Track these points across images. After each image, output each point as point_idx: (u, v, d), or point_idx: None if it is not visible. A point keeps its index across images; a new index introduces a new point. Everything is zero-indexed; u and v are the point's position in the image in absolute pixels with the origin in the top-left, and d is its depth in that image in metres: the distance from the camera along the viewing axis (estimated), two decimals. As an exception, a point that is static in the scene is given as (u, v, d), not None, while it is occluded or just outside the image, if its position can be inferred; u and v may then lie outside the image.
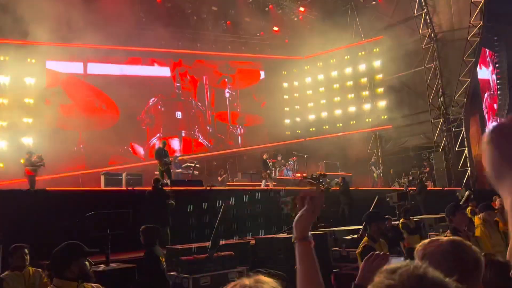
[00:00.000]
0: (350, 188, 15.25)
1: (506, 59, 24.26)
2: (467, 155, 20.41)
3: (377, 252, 1.91)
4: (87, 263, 2.48)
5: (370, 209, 8.09)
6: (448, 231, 4.34)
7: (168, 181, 11.30)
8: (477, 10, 18.74)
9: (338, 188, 13.04)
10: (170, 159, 12.40)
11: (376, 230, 4.32)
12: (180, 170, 15.43)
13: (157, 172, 12.68)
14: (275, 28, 21.80)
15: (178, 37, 18.99)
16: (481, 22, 18.85)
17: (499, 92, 24.50)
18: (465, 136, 20.49)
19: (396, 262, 1.96)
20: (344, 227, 10.18)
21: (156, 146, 15.54)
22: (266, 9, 20.56)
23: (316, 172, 12.80)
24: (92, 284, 2.54)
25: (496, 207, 7.09)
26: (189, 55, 20.22)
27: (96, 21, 14.49)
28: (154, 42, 18.11)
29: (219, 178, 16.01)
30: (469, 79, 19.80)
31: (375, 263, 1.78)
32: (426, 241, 1.69)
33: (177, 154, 17.17)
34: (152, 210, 8.62)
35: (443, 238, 1.69)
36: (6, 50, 14.51)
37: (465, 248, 1.49)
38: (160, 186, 9.06)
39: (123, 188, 11.54)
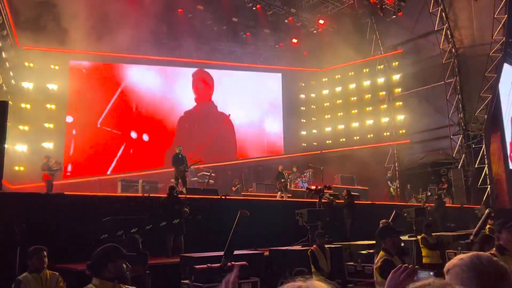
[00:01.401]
0: (366, 202, 15.09)
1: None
2: (487, 172, 20.00)
3: (405, 264, 1.87)
4: (124, 265, 2.58)
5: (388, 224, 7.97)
6: (494, 249, 4.17)
7: (184, 189, 11.32)
8: (500, 26, 18.53)
9: (343, 201, 12.73)
10: (187, 166, 12.42)
11: (392, 244, 4.23)
12: (195, 178, 15.50)
13: (173, 180, 12.72)
14: (294, 40, 21.88)
15: (197, 48, 19.19)
16: (504, 38, 18.62)
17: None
18: (485, 153, 20.11)
19: (423, 275, 1.94)
20: (358, 241, 10.04)
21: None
22: (286, 21, 20.67)
23: (320, 186, 12.59)
24: (128, 286, 2.65)
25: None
26: (206, 66, 20.45)
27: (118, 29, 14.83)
28: (173, 52, 18.41)
29: (233, 188, 16.00)
30: (490, 95, 19.50)
31: (403, 276, 1.75)
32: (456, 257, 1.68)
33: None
34: (166, 217, 8.65)
35: (469, 253, 1.68)
36: (32, 57, 14.93)
37: (485, 261, 1.46)
38: (175, 194, 9.09)
39: (139, 194, 11.62)
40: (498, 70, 19.35)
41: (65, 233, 7.35)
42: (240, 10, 19.58)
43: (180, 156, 12.47)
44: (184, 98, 19.89)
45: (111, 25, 14.79)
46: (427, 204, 15.77)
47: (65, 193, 9.30)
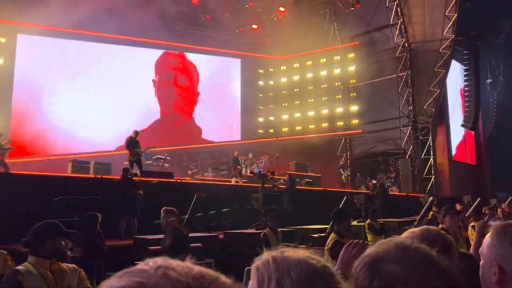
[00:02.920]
0: (319, 188, 15.51)
1: (474, 73, 25.20)
2: (432, 163, 21.10)
3: (356, 240, 2.00)
4: (63, 243, 2.46)
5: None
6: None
7: (138, 172, 11.13)
8: (450, 24, 19.40)
9: (284, 186, 12.60)
10: (142, 150, 12.18)
11: (343, 227, 4.44)
12: (150, 161, 15.24)
13: (126, 162, 12.46)
14: (254, 26, 21.83)
15: (152, 28, 18.66)
16: (453, 35, 19.54)
17: (466, 104, 25.42)
18: (431, 144, 21.18)
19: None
20: (312, 225, 10.36)
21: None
22: (247, 6, 20.55)
23: (263, 171, 12.73)
24: (68, 264, 2.53)
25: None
26: (162, 46, 20.00)
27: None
28: (129, 30, 17.84)
29: (189, 172, 15.92)
30: (438, 90, 20.48)
31: (355, 250, 1.87)
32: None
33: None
34: (120, 199, 8.50)
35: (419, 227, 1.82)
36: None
37: (434, 233, 1.60)
38: (129, 176, 8.94)
39: (92, 175, 11.30)
40: (447, 66, 20.33)
41: (13, 213, 7.06)
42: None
43: (135, 140, 12.26)
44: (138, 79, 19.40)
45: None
46: (371, 192, 16.46)
47: (11, 171, 8.89)
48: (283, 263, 0.88)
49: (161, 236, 6.85)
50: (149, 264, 0.55)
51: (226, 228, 9.47)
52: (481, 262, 1.38)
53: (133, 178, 9.25)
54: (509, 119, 29.06)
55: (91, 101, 17.34)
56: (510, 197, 15.30)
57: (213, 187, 11.63)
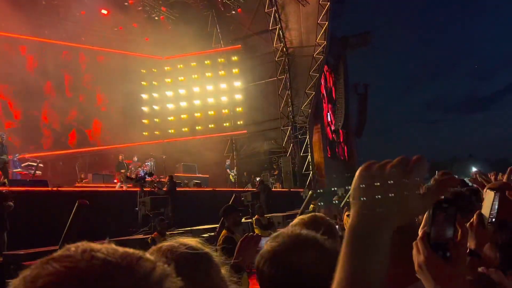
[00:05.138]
0: (208, 188, 15.62)
1: (343, 77, 27.86)
2: (310, 160, 22.74)
3: (250, 233, 2.10)
4: None
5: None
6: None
7: (5, 181, 9.93)
8: (322, 31, 21.14)
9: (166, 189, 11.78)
10: (9, 156, 10.90)
11: (233, 221, 4.58)
12: (19, 169, 13.69)
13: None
14: (135, 24, 21.05)
15: (24, 22, 16.80)
16: (325, 41, 21.33)
17: (337, 106, 27.96)
18: (309, 143, 22.82)
19: (266, 241, 2.19)
20: (202, 226, 10.39)
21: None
22: (126, 3, 19.72)
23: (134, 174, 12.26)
24: None
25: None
26: (35, 43, 18.09)
27: None
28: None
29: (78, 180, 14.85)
30: (314, 92, 22.17)
31: (251, 244, 1.98)
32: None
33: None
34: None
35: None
36: None
37: (320, 218, 1.77)
38: (-4, 186, 7.94)
39: None
40: (320, 70, 22.12)
41: None
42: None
43: (1, 144, 10.91)
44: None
45: None
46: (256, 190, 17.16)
47: None
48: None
49: (37, 249, 6.24)
50: (71, 249, 0.53)
51: (112, 236, 8.98)
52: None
53: (1, 188, 8.23)
54: (373, 118, 32.73)
55: None
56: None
57: (97, 194, 10.94)
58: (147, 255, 0.56)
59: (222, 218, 5.35)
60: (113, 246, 0.56)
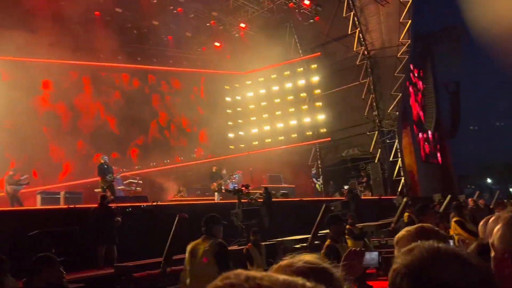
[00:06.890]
0: (295, 199, 15.59)
1: (432, 76, 26.29)
2: (400, 165, 21.68)
3: (353, 248, 2.05)
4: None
5: (319, 217, 8.35)
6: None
7: (113, 197, 10.86)
8: (405, 30, 20.23)
9: (261, 200, 12.06)
10: (114, 175, 11.94)
11: (336, 231, 4.50)
12: (122, 187, 14.90)
13: (98, 190, 12.16)
14: (217, 44, 21.98)
15: (118, 52, 18.43)
16: (409, 40, 20.36)
17: (427, 106, 26.42)
18: (398, 147, 21.78)
19: (370, 255, 2.12)
20: (291, 236, 10.38)
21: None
22: (208, 24, 20.68)
23: (238, 186, 12.45)
24: None
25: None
26: (128, 70, 19.74)
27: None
28: (92, 56, 17.52)
29: (178, 194, 15.78)
30: (400, 94, 21.19)
31: (357, 259, 1.93)
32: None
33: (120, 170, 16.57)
34: (98, 227, 8.25)
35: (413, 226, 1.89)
36: None
37: (428, 228, 1.66)
38: (106, 203, 8.71)
39: (64, 206, 10.91)
40: (406, 70, 21.12)
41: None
42: (161, 13, 19.20)
43: (105, 166, 12.04)
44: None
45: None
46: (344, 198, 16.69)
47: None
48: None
49: (144, 261, 6.69)
50: (231, 277, 0.55)
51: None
52: (492, 255, 1.32)
53: (110, 204, 9.01)
54: (466, 118, 30.42)
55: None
56: (477, 192, 15.88)
57: (194, 207, 11.49)
58: (308, 283, 0.56)
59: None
60: (270, 273, 0.57)
